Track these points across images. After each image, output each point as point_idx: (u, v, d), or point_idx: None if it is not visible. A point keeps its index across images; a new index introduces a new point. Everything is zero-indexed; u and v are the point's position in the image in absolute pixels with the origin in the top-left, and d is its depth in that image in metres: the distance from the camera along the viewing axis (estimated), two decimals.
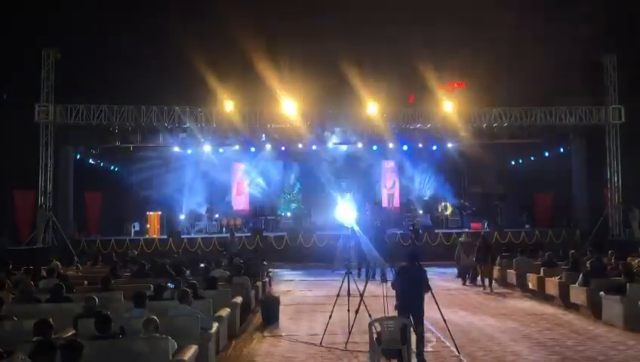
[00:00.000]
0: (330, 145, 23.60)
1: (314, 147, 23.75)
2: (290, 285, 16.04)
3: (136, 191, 24.03)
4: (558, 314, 11.30)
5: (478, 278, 15.49)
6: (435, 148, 24.30)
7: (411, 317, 7.42)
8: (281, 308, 11.19)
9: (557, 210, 24.95)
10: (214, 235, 22.49)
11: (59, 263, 13.47)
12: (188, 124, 21.44)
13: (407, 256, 8.19)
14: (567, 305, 11.62)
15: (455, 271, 17.03)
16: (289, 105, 21.16)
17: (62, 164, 21.34)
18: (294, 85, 22.65)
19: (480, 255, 15.39)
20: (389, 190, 26.48)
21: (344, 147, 23.84)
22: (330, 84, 21.99)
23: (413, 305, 7.66)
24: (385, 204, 26.02)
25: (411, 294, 7.71)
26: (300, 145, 23.59)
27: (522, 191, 26.46)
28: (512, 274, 14.81)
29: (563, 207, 24.28)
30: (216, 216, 25.06)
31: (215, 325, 7.84)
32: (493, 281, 15.17)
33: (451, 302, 12.61)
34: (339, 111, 21.59)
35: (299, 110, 21.38)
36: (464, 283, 15.77)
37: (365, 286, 9.35)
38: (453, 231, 22.26)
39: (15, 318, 7.00)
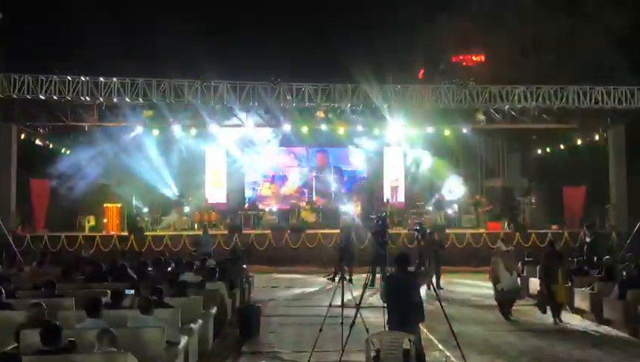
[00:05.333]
0: (323, 127, 23.46)
1: (305, 129, 23.59)
2: (273, 293, 16.06)
3: (91, 180, 23.91)
4: (588, 330, 11.39)
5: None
6: (447, 133, 24.19)
7: None
8: (262, 319, 11.22)
9: (589, 208, 25.01)
10: (184, 232, 22.48)
11: None
12: (154, 100, 21.27)
13: (395, 261, 7.83)
14: (600, 320, 11.71)
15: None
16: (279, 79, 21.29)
17: (3, 145, 21.21)
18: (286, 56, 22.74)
19: (548, 269, 12.44)
20: (393, 182, 26.45)
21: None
22: (323, 55, 22.03)
23: (404, 321, 7.30)
24: (388, 198, 26.01)
25: (401, 307, 7.43)
26: (288, 127, 23.45)
27: (549, 185, 26.46)
28: (535, 282, 14.85)
29: (597, 206, 24.35)
30: (187, 209, 25.00)
31: (184, 339, 7.86)
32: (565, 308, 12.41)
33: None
34: (331, 85, 21.44)
35: (287, 85, 21.40)
36: (507, 318, 12.34)
37: (362, 294, 9.37)
38: (468, 231, 22.35)
39: None
